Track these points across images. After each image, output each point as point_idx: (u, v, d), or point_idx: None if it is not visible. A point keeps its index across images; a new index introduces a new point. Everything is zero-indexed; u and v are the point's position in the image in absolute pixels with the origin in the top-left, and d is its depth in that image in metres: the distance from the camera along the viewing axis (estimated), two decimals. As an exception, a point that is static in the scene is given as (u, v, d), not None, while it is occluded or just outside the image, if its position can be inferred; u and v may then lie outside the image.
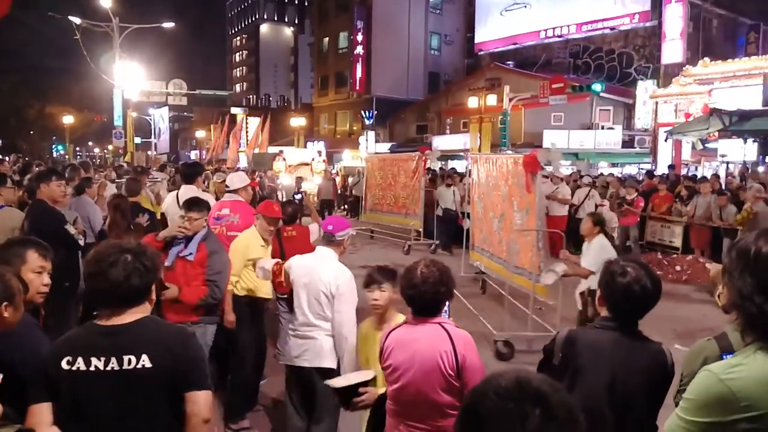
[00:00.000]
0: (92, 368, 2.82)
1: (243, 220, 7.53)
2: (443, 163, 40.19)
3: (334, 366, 5.06)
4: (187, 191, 8.62)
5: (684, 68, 31.32)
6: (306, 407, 5.42)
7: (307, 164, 26.80)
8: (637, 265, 3.25)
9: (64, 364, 2.83)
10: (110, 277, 2.87)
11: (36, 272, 3.61)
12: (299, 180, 21.74)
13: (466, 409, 1.52)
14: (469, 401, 1.52)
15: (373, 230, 20.64)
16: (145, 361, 2.82)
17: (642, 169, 31.28)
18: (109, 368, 2.81)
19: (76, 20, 33.83)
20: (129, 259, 2.92)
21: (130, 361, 2.82)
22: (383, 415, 4.08)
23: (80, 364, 2.83)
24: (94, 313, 7.97)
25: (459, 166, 26.76)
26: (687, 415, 2.22)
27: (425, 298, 3.72)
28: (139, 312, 2.97)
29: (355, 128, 57.99)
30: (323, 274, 5.10)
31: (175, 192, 8.93)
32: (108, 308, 2.95)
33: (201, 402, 2.92)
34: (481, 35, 52.92)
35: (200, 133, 68.62)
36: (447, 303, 3.89)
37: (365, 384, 4.11)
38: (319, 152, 34.06)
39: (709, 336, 2.97)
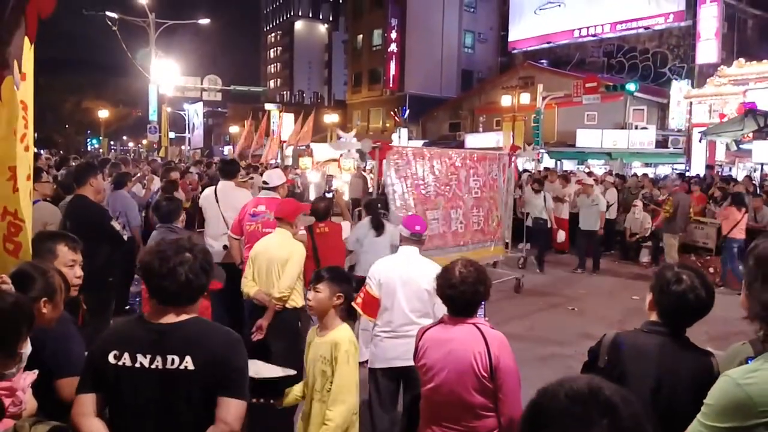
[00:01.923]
0: (137, 365, 2.84)
1: (279, 218, 7.53)
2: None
3: None
4: (225, 187, 8.69)
5: (719, 68, 31.00)
6: (393, 405, 5.40)
7: (335, 160, 26.31)
8: (693, 272, 3.15)
9: (111, 358, 2.86)
10: (179, 276, 2.86)
11: (68, 266, 3.62)
12: (330, 178, 21.42)
13: (533, 406, 1.51)
14: (539, 399, 1.51)
15: None
16: (188, 363, 2.81)
17: (675, 169, 31.00)
18: (153, 366, 2.83)
19: (113, 15, 34.19)
20: (193, 259, 2.91)
21: (173, 361, 2.82)
22: (416, 415, 4.11)
23: (126, 359, 2.85)
24: (126, 307, 7.98)
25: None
26: (707, 420, 2.24)
27: (465, 298, 3.72)
28: (190, 311, 2.98)
29: (388, 125, 57.83)
30: (423, 272, 5.12)
31: (213, 187, 8.95)
32: (163, 305, 2.94)
33: (232, 411, 2.86)
34: (514, 34, 52.61)
35: (234, 129, 68.83)
36: (483, 303, 3.90)
37: (286, 381, 4.17)
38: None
39: (744, 340, 2.91)
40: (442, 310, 4.94)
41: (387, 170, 9.46)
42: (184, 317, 2.95)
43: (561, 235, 15.12)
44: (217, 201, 8.47)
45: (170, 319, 2.93)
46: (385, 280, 5.22)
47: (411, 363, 4.76)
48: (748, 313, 2.44)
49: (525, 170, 23.56)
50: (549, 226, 15.17)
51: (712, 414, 2.22)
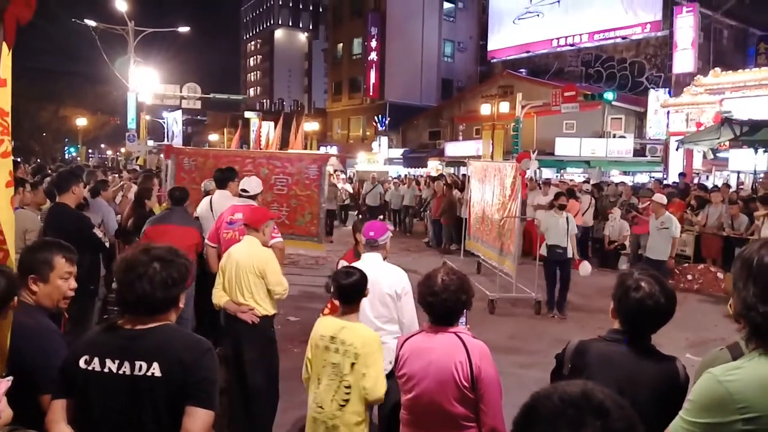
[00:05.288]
0: (106, 370, 2.83)
1: (257, 225, 7.45)
2: (454, 169, 40.17)
3: None
4: (221, 198, 8.57)
5: (695, 78, 31.27)
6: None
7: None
8: (652, 279, 3.16)
9: (81, 363, 2.86)
10: (137, 289, 2.85)
11: (63, 278, 3.56)
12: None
13: (527, 408, 1.51)
14: (532, 401, 1.52)
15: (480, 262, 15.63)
16: (155, 370, 2.80)
17: (652, 177, 31.24)
18: (121, 372, 2.82)
19: (92, 23, 33.98)
20: (157, 270, 2.89)
21: (141, 367, 2.81)
22: (395, 425, 4.08)
23: (96, 364, 2.85)
24: (105, 316, 7.95)
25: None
26: (689, 416, 2.28)
27: (447, 306, 3.67)
28: (162, 319, 2.96)
29: (368, 133, 58.04)
30: (385, 278, 5.09)
31: (209, 198, 8.82)
32: (133, 315, 2.94)
33: (199, 420, 2.82)
34: (493, 43, 53.01)
35: (213, 137, 68.71)
36: (465, 312, 3.87)
37: None
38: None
39: (722, 346, 2.90)
40: (407, 314, 4.97)
41: (171, 166, 12.12)
42: (155, 324, 2.94)
43: (586, 268, 12.05)
44: (212, 212, 8.37)
45: (141, 325, 2.92)
46: None
47: None
48: (733, 314, 2.47)
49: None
50: (570, 256, 11.97)
51: (694, 410, 2.25)
